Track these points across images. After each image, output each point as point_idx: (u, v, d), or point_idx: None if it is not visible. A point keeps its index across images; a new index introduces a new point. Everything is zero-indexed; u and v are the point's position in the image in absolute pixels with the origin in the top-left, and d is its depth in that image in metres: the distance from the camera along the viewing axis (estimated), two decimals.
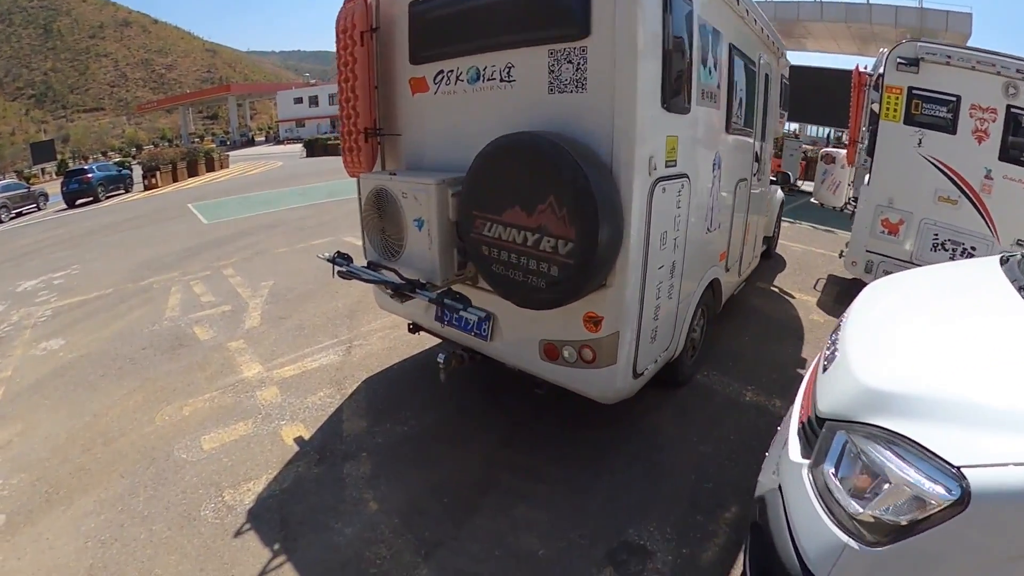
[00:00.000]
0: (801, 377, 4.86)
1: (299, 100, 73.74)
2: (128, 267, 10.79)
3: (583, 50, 3.15)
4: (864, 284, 6.08)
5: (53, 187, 28.03)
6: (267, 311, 7.49)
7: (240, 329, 6.96)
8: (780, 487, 2.26)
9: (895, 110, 5.97)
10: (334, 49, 4.32)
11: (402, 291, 3.77)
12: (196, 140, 67.13)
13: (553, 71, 3.30)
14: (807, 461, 2.15)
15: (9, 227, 21.93)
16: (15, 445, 4.88)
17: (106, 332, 7.32)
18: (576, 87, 3.22)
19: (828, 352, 2.67)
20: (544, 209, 3.00)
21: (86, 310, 8.39)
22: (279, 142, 67.85)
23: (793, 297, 7.45)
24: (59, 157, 50.41)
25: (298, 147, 46.97)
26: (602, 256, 3.02)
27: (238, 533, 3.69)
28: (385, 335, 6.57)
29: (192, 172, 30.71)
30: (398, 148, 4.41)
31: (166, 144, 56.42)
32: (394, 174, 3.87)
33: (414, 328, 5.16)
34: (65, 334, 7.46)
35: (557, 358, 3.71)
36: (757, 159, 5.92)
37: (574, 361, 3.64)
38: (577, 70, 3.19)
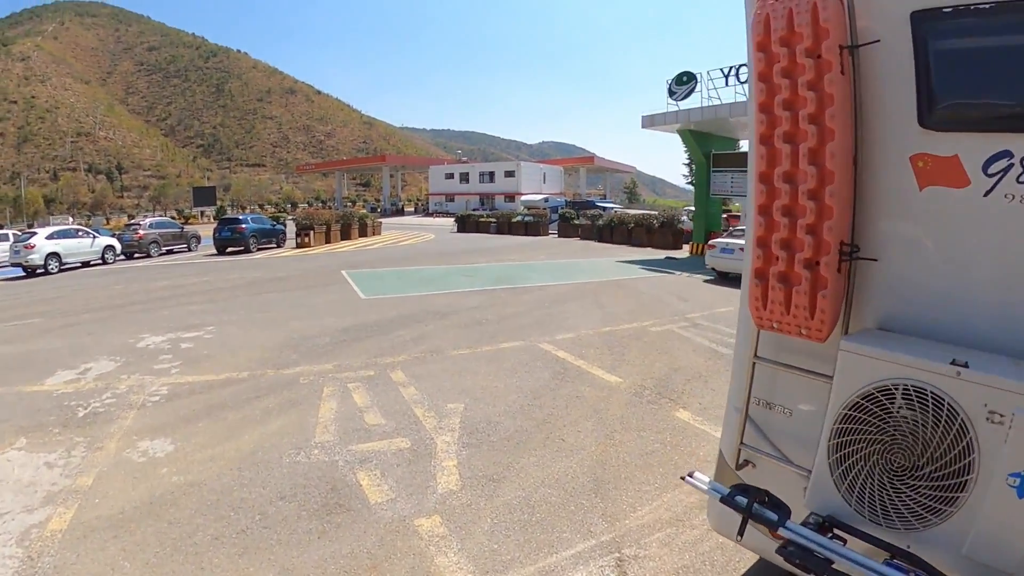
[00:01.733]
0: None
1: (450, 175, 78.70)
2: (271, 343, 9.13)
3: None
4: None
5: (209, 230, 29.14)
6: (466, 461, 5.12)
7: (432, 492, 4.61)
8: None
9: None
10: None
11: None
12: (349, 204, 72.24)
13: None
14: None
15: (156, 263, 22.40)
16: None
17: (231, 448, 5.30)
18: None
19: None
20: None
21: (210, 400, 6.55)
22: (428, 214, 71.52)
23: None
24: (219, 203, 54.54)
25: (449, 221, 48.89)
26: None
27: None
28: (668, 539, 3.99)
29: (345, 235, 31.60)
30: (869, 285, 2.66)
31: (320, 204, 60.34)
32: (965, 366, 2.12)
33: None
34: (177, 434, 5.58)
35: None
36: None
37: None
38: None
